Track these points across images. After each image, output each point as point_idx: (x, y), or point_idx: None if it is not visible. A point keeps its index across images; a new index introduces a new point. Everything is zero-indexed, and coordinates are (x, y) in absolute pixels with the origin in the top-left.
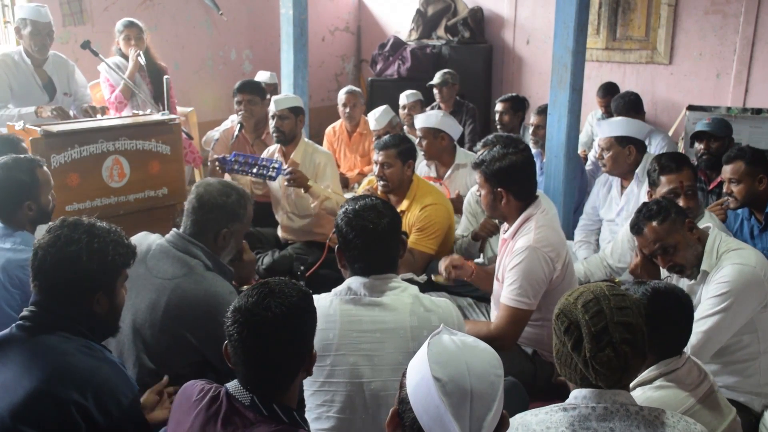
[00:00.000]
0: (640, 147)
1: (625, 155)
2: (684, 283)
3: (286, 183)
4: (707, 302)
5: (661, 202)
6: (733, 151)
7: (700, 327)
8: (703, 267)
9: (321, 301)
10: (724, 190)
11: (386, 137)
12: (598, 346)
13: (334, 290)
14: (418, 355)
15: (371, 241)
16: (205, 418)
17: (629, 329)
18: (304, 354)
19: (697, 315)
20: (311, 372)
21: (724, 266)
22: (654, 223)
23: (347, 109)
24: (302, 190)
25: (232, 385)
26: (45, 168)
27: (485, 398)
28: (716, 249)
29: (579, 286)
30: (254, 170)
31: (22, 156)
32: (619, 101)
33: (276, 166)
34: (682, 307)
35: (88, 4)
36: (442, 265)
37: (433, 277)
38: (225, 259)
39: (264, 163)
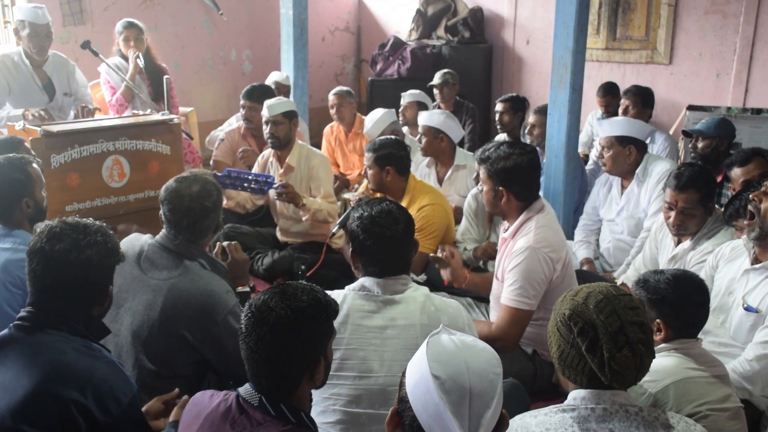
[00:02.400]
0: (640, 147)
1: (625, 155)
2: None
3: (275, 198)
4: None
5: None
6: (746, 151)
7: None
8: None
9: (334, 296)
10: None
11: (376, 139)
12: (616, 346)
13: (347, 287)
14: (417, 354)
15: (387, 248)
16: (214, 420)
17: (642, 329)
18: (307, 360)
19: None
20: (318, 383)
21: None
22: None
23: (334, 111)
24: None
25: (244, 389)
26: (35, 165)
27: (484, 396)
28: None
29: (578, 285)
30: (246, 185)
31: (12, 155)
32: (633, 89)
33: (269, 180)
34: (702, 291)
35: (88, 4)
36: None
37: (430, 257)
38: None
39: (256, 177)
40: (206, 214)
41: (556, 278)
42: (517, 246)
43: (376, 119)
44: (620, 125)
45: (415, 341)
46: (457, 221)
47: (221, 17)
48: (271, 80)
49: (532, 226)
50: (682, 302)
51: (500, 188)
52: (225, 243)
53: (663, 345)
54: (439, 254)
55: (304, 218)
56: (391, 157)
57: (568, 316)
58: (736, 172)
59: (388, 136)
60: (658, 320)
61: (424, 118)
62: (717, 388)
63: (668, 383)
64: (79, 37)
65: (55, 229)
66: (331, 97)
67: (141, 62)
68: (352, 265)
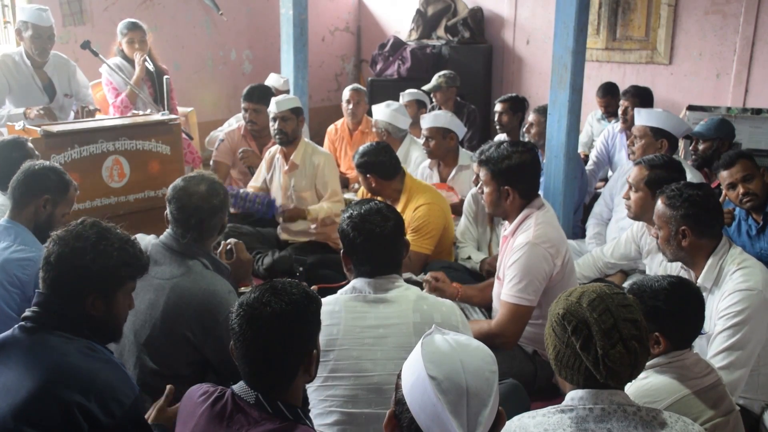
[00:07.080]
0: (673, 143)
1: (656, 147)
2: None
3: (281, 220)
4: (721, 336)
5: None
6: (730, 154)
7: (723, 361)
8: (701, 281)
9: (327, 300)
10: (739, 191)
11: (359, 147)
12: (610, 342)
13: (339, 291)
14: (412, 355)
15: (378, 245)
16: (210, 417)
17: (636, 326)
18: (302, 353)
19: (714, 347)
20: (312, 375)
21: (732, 290)
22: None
23: (350, 106)
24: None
25: (238, 386)
26: (73, 191)
27: (481, 394)
28: (719, 265)
29: (577, 286)
30: (250, 206)
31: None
32: (631, 90)
33: (270, 203)
34: (700, 300)
35: (88, 4)
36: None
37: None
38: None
39: (258, 199)
40: (214, 213)
41: (556, 275)
42: (516, 242)
43: (387, 111)
44: (657, 117)
45: (408, 339)
46: (459, 213)
47: (221, 17)
48: (268, 84)
49: (532, 223)
50: (683, 315)
51: (505, 187)
52: (231, 240)
53: (657, 360)
54: (425, 288)
55: (312, 226)
56: (368, 165)
57: (562, 315)
58: (722, 175)
59: (372, 142)
60: (656, 333)
61: (429, 121)
62: (715, 397)
63: (668, 404)
64: (79, 37)
65: (76, 229)
66: (348, 92)
67: (150, 65)
68: (344, 267)
